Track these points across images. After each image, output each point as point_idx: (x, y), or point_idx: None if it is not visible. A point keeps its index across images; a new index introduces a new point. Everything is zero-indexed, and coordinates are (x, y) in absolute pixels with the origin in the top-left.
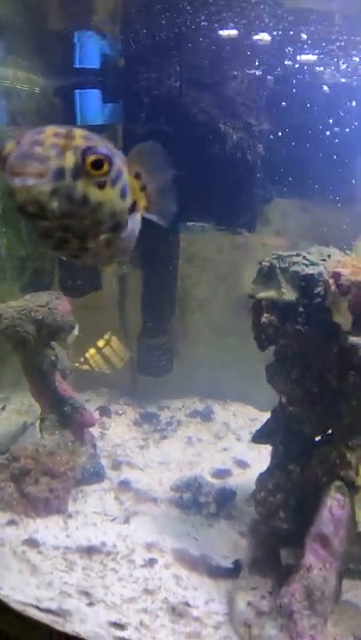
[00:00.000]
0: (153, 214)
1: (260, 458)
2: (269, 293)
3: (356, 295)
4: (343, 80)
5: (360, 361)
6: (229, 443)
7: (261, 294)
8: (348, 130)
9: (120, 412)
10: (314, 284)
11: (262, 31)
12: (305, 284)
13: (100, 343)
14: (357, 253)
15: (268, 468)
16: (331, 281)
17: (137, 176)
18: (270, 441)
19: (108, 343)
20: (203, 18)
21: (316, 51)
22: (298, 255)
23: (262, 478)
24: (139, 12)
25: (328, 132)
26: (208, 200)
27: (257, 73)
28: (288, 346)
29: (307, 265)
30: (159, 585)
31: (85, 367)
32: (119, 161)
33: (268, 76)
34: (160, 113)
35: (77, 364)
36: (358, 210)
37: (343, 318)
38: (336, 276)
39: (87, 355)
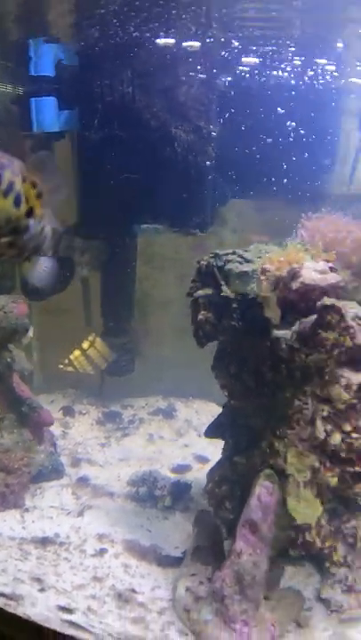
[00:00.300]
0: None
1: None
2: (206, 291)
3: (283, 290)
4: (292, 80)
5: (284, 353)
6: (191, 439)
7: (199, 292)
8: (301, 129)
9: (84, 411)
10: (248, 282)
11: (210, 37)
12: (239, 282)
13: (85, 345)
14: (285, 249)
15: (218, 461)
16: (262, 277)
17: (34, 185)
18: (221, 435)
19: (92, 344)
20: (153, 25)
21: (264, 52)
22: (233, 253)
23: (212, 471)
24: (91, 20)
25: (282, 132)
26: (161, 202)
27: (207, 77)
28: (226, 342)
29: (241, 262)
30: (108, 573)
31: (69, 368)
32: (10, 174)
33: (218, 80)
34: (113, 119)
35: (62, 366)
36: (313, 207)
37: (273, 313)
38: (264, 271)
39: (71, 356)
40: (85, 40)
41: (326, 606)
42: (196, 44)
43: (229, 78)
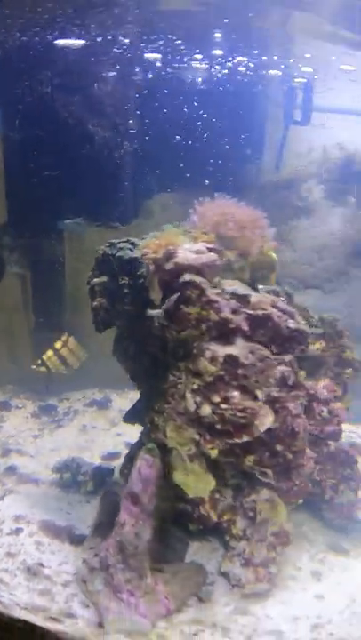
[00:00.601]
0: None
1: None
2: (102, 279)
3: (160, 271)
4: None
5: (157, 331)
6: (124, 428)
7: (95, 280)
8: (223, 121)
9: (20, 405)
10: (137, 267)
11: (123, 36)
12: (129, 267)
13: (58, 344)
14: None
15: (134, 443)
16: (144, 261)
17: None
18: (139, 420)
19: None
20: (68, 26)
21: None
22: (126, 241)
23: (128, 453)
24: (9, 23)
25: (204, 126)
26: (81, 197)
27: (122, 74)
28: (123, 327)
29: (131, 250)
30: (20, 549)
31: (42, 369)
32: None
33: (135, 78)
34: (33, 118)
35: (34, 367)
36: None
37: (155, 294)
38: (143, 255)
39: (44, 356)
40: (5, 43)
41: (228, 580)
42: (128, 40)
43: (144, 75)
